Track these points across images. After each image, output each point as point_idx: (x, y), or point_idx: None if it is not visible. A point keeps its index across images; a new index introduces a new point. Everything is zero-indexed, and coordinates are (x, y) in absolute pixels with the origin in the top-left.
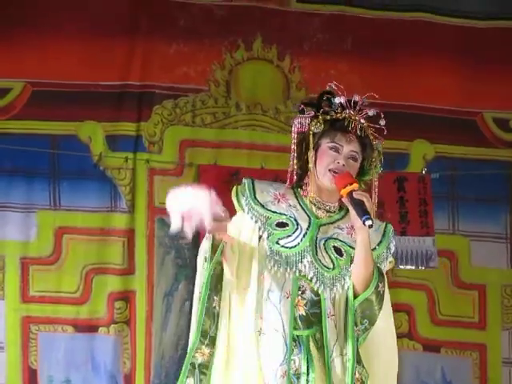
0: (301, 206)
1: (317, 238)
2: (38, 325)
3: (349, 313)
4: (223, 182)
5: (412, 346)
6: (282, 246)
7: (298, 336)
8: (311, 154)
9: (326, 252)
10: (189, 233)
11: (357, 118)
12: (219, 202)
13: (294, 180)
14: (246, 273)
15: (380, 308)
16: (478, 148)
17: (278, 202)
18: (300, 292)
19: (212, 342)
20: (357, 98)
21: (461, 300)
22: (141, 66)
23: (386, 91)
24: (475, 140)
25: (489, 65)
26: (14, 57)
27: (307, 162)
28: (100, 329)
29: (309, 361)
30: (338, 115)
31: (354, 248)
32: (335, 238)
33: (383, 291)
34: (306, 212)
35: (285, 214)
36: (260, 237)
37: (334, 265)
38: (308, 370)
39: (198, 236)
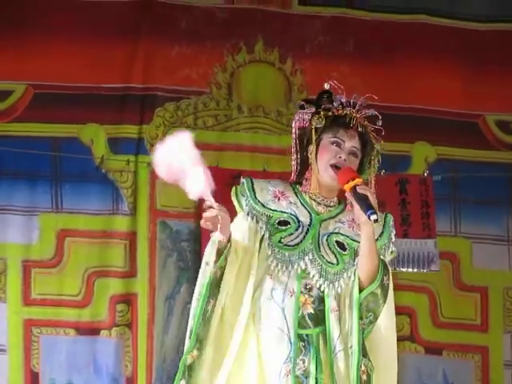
0: (301, 202)
1: (319, 234)
2: (40, 328)
3: (354, 306)
4: (225, 185)
5: (414, 349)
6: (285, 245)
7: (307, 335)
8: (312, 148)
9: (329, 248)
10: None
11: (357, 115)
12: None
13: (294, 176)
14: (245, 276)
15: (384, 301)
16: (479, 150)
17: (278, 199)
18: (307, 290)
19: (200, 344)
20: (356, 98)
21: (463, 302)
22: (143, 68)
23: (387, 93)
24: (477, 142)
25: (490, 67)
26: (16, 59)
27: (308, 158)
28: (102, 332)
29: (318, 361)
30: (340, 112)
31: (356, 241)
32: (337, 233)
33: (388, 284)
34: (306, 208)
35: (286, 212)
36: (262, 237)
37: (337, 260)
38: (317, 370)
39: (199, 238)
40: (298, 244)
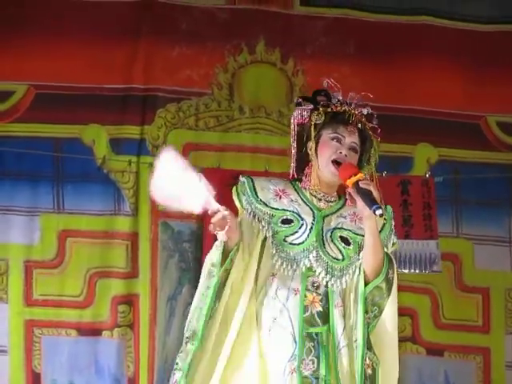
0: (302, 199)
1: (323, 230)
2: (42, 328)
3: (360, 300)
4: (227, 186)
5: (415, 350)
6: (290, 244)
7: (316, 334)
8: (312, 144)
9: (334, 243)
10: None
11: (356, 112)
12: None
13: (294, 172)
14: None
15: (388, 295)
16: (481, 152)
17: (280, 198)
18: (314, 288)
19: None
20: (352, 97)
21: (464, 303)
22: (144, 69)
23: (389, 94)
24: (479, 144)
25: (491, 68)
26: (18, 59)
27: (307, 154)
28: (104, 332)
29: (327, 362)
30: (339, 108)
31: (359, 234)
32: (340, 228)
33: (392, 278)
34: (308, 205)
35: (288, 210)
36: (265, 236)
37: (343, 255)
38: (326, 371)
39: (201, 239)
40: (302, 242)
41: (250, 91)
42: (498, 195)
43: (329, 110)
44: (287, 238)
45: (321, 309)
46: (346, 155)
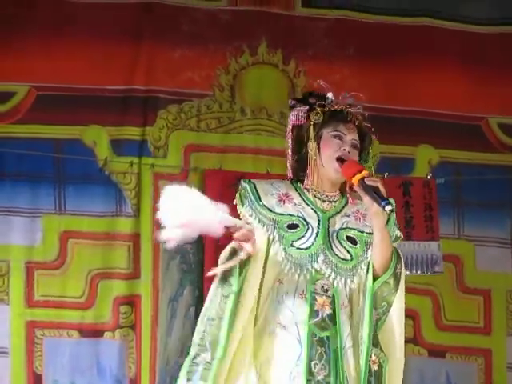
0: (306, 202)
1: (329, 232)
2: (43, 330)
3: (368, 296)
4: (228, 187)
5: (417, 352)
6: (298, 248)
7: (327, 338)
8: (313, 144)
9: (341, 244)
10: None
11: (352, 110)
12: (226, 210)
13: (293, 175)
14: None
15: (396, 290)
16: (482, 153)
17: (284, 202)
18: (323, 291)
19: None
20: (343, 96)
21: (466, 305)
22: (145, 70)
23: (390, 96)
24: (480, 145)
25: (492, 69)
26: (19, 61)
27: (307, 154)
28: (105, 333)
29: (338, 369)
30: (336, 106)
31: (364, 232)
32: (346, 228)
33: (400, 273)
34: (312, 208)
35: (293, 215)
36: (269, 242)
37: (351, 255)
38: (336, 378)
39: (202, 241)
40: (309, 247)
41: (251, 93)
42: (500, 197)
43: (326, 109)
44: (294, 243)
45: (331, 311)
46: (349, 152)
